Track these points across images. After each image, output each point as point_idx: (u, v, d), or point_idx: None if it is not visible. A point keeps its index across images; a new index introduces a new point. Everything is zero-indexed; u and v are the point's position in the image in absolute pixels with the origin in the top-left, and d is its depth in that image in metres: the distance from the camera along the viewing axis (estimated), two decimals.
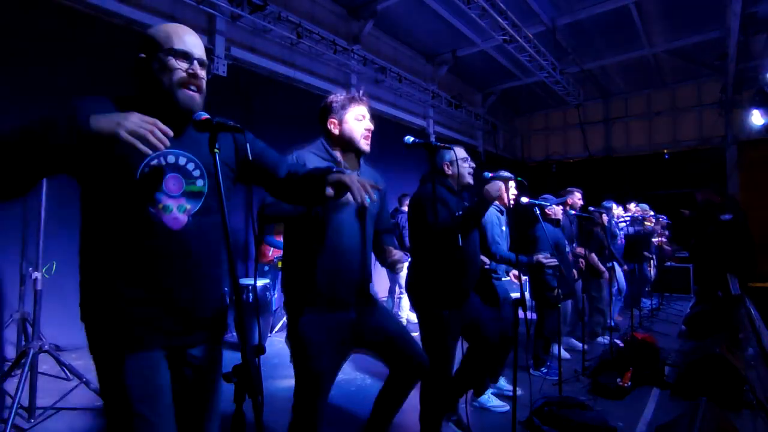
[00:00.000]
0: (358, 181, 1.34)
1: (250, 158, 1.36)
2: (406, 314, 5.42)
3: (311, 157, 1.83)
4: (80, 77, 3.33)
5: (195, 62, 1.24)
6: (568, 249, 4.09)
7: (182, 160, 1.25)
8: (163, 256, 1.20)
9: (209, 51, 5.21)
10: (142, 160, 1.17)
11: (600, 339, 4.96)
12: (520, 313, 2.31)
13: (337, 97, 1.90)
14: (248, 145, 1.36)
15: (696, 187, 6.05)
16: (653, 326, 5.72)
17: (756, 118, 8.01)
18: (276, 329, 5.15)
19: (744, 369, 3.31)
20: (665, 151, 10.36)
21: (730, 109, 9.28)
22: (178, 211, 1.22)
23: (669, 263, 7.98)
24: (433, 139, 8.64)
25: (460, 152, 2.57)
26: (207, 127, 1.12)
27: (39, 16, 3.88)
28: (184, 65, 1.22)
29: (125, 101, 1.21)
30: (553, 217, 3.83)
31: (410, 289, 2.54)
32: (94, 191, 1.18)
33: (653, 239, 6.77)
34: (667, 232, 6.88)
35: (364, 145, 1.87)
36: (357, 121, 1.86)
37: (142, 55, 1.22)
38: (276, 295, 5.18)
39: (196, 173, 1.26)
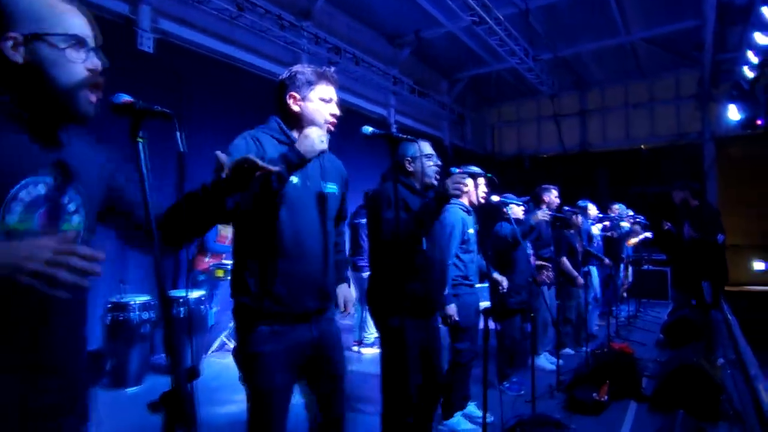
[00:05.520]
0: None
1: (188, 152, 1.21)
2: (373, 331, 5.41)
3: (267, 139, 1.79)
4: None
5: (92, 54, 1.08)
6: (529, 252, 4.25)
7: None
8: (39, 323, 1.02)
9: (132, 22, 5.01)
10: (6, 192, 0.98)
11: (567, 350, 5.13)
12: (490, 324, 2.37)
13: (304, 68, 1.84)
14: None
15: (673, 184, 6.41)
16: (630, 335, 6.01)
17: (732, 113, 8.58)
18: (213, 348, 5.04)
19: (721, 378, 3.54)
20: (643, 146, 10.93)
21: (707, 102, 9.91)
22: None
23: (646, 266, 8.41)
24: (394, 129, 8.70)
25: (425, 148, 2.59)
26: (128, 113, 1.08)
27: None
28: (81, 57, 1.07)
29: None
30: (513, 217, 4.01)
31: (369, 298, 2.55)
32: None
33: (632, 240, 7.10)
34: (643, 231, 7.23)
35: (326, 131, 1.81)
36: (323, 103, 1.82)
37: (14, 34, 1.01)
38: (214, 309, 5.06)
39: (72, 206, 1.10)
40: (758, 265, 9.94)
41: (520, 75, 9.63)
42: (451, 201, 3.35)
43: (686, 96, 10.39)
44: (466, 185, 2.14)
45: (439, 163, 2.65)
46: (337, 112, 1.85)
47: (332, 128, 1.84)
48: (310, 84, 1.82)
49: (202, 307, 4.46)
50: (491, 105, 12.85)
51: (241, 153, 1.68)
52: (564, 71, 10.50)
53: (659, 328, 6.10)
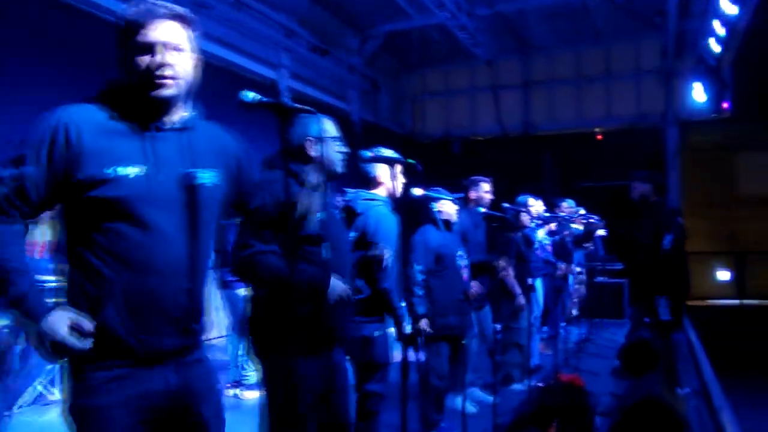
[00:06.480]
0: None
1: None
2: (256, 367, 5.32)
3: (91, 118, 1.63)
4: None
5: None
6: (463, 262, 4.34)
7: None
8: None
9: None
10: None
11: (516, 385, 5.38)
12: (411, 354, 2.40)
13: (131, 8, 1.66)
14: None
15: (634, 174, 6.85)
16: (581, 363, 6.43)
17: (698, 93, 9.46)
18: (24, 400, 4.82)
19: (683, 410, 3.87)
20: (597, 130, 11.69)
21: (671, 78, 10.82)
22: None
23: (600, 278, 9.02)
24: (286, 98, 8.58)
25: (328, 128, 2.60)
26: None
27: None
28: None
29: None
30: (442, 219, 4.13)
31: (250, 327, 2.53)
32: None
33: (584, 245, 7.56)
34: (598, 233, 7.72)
35: (156, 90, 1.63)
36: (139, 57, 1.63)
37: None
38: (26, 345, 4.75)
39: None
40: (723, 275, 10.93)
41: (450, 34, 9.90)
42: (369, 197, 3.37)
43: (647, 70, 11.27)
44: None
45: (346, 149, 2.65)
46: (167, 60, 1.65)
47: (164, 84, 1.64)
48: (134, 28, 1.64)
49: (6, 342, 4.29)
50: (413, 71, 13.12)
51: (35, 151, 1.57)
52: (504, 32, 10.94)
53: (614, 353, 6.55)
